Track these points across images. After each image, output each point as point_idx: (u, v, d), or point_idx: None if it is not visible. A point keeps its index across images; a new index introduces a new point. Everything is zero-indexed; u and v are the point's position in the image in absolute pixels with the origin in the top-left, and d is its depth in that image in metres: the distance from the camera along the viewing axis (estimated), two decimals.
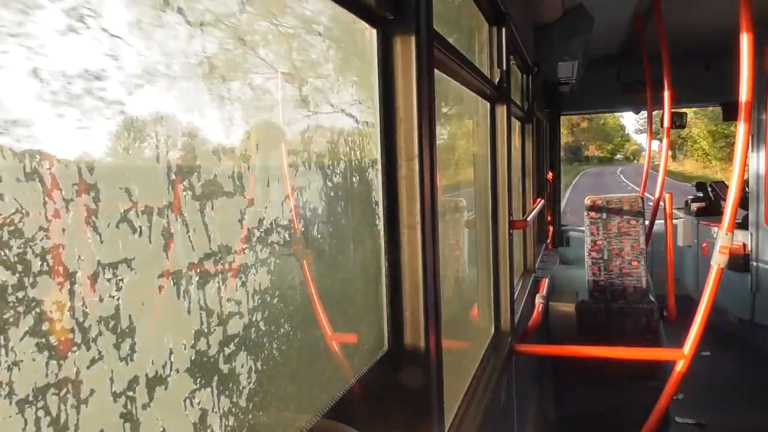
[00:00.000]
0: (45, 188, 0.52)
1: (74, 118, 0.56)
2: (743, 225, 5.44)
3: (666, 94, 4.96)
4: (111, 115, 0.63)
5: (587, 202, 4.51)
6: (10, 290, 0.48)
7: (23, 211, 0.50)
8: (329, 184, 1.14)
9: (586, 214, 4.44)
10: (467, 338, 2.63)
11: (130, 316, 0.60)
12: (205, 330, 0.73)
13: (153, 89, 0.67)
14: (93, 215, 0.56)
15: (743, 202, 5.22)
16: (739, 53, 2.73)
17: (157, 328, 0.66)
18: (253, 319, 0.84)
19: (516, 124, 4.22)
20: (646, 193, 5.58)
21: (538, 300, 3.75)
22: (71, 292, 0.54)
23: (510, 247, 3.05)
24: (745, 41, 2.71)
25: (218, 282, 0.76)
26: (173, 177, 0.68)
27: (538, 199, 4.71)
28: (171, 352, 0.66)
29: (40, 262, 0.51)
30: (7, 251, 0.48)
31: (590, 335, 4.13)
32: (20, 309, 0.49)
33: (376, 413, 1.39)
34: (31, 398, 0.50)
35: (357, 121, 1.27)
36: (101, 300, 0.57)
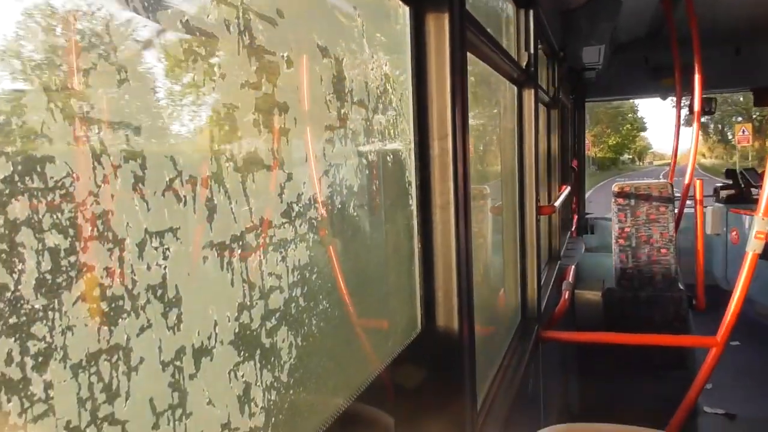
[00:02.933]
0: (94, 153, 0.51)
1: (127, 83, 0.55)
2: None
3: (696, 79, 4.85)
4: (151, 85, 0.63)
5: (615, 189, 4.45)
6: (62, 254, 0.48)
7: (74, 175, 0.49)
8: (365, 162, 1.13)
9: (613, 200, 4.37)
10: (495, 324, 2.61)
11: (176, 285, 0.60)
12: (248, 303, 0.72)
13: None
14: (140, 182, 0.56)
15: None
16: None
17: (202, 300, 0.66)
18: (294, 294, 0.83)
19: (542, 110, 4.16)
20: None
21: (565, 287, 3.71)
22: (120, 259, 0.53)
23: (537, 234, 3.01)
24: None
25: (259, 256, 0.76)
26: (216, 148, 0.68)
27: (564, 186, 4.66)
28: (216, 324, 0.66)
29: (90, 228, 0.50)
30: (59, 215, 0.48)
31: (617, 323, 4.07)
32: (72, 273, 0.49)
33: (409, 395, 1.38)
34: (84, 363, 0.49)
35: (392, 99, 1.26)
36: (149, 268, 0.57)
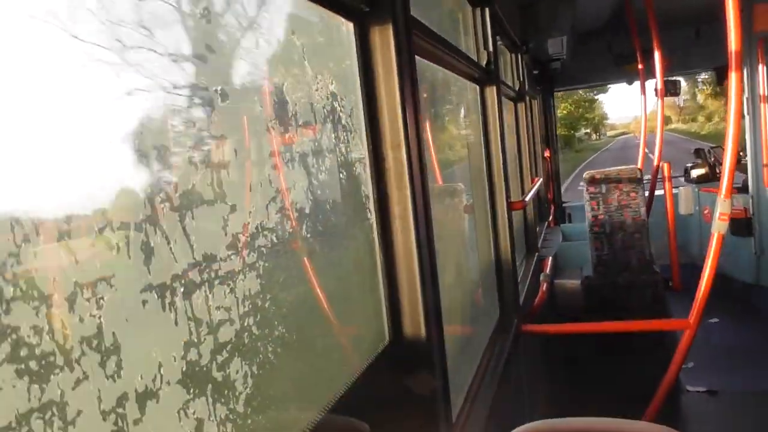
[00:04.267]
0: (10, 215, 0.51)
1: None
2: (743, 189, 5.42)
3: (657, 62, 4.93)
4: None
5: (586, 176, 4.50)
6: None
7: None
8: (316, 182, 1.14)
9: (585, 189, 4.42)
10: (472, 323, 2.63)
11: (113, 333, 0.60)
12: (195, 340, 0.73)
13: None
14: (65, 235, 0.56)
15: (742, 166, 5.20)
16: (724, 15, 2.70)
17: (144, 342, 0.66)
18: (245, 324, 0.83)
19: (508, 105, 4.20)
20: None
21: (543, 279, 3.75)
22: (49, 315, 0.54)
23: (510, 228, 3.04)
24: (731, 2, 2.68)
25: (205, 291, 0.76)
26: (149, 191, 0.68)
27: (537, 178, 4.70)
28: (160, 365, 0.66)
29: (12, 288, 0.50)
30: None
31: (597, 310, 4.13)
32: None
33: (381, 405, 1.39)
34: (14, 425, 0.49)
35: (341, 116, 1.26)
36: (81, 320, 0.57)
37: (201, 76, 0.79)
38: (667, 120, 8.55)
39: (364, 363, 1.28)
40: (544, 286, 3.68)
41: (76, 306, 0.56)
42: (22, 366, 0.50)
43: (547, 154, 6.43)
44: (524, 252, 4.30)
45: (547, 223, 6.11)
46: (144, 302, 0.66)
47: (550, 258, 4.30)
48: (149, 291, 0.67)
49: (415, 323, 1.40)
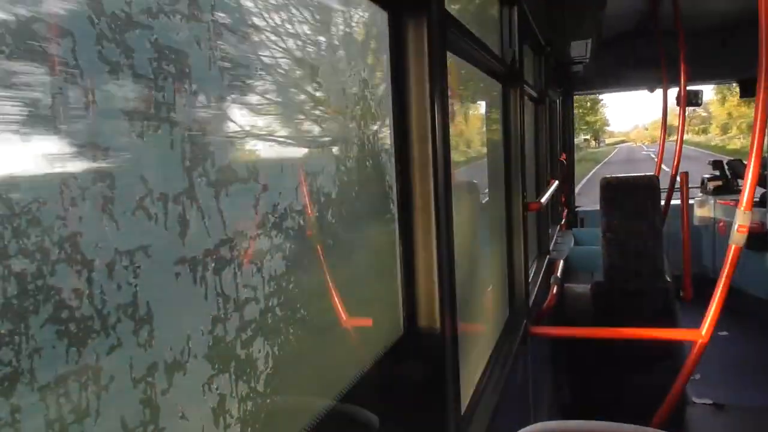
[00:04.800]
0: (61, 177, 0.52)
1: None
2: (761, 203, 5.37)
3: (682, 71, 4.88)
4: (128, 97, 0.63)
5: (602, 182, 4.47)
6: (29, 278, 0.49)
7: (40, 200, 0.50)
8: (343, 168, 1.14)
9: (600, 194, 4.40)
10: (482, 321, 2.63)
11: (147, 302, 0.61)
12: (222, 316, 0.73)
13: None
14: (109, 203, 0.56)
15: (762, 180, 5.15)
16: (757, 27, 2.67)
17: (174, 314, 0.67)
18: (270, 304, 0.84)
19: (529, 105, 4.18)
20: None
21: (553, 282, 3.74)
22: (89, 280, 0.54)
23: (525, 229, 3.03)
24: (764, 13, 2.65)
25: (234, 268, 0.76)
26: (188, 163, 0.68)
27: (553, 180, 4.68)
28: (189, 338, 0.67)
29: (57, 250, 0.51)
30: (26, 240, 0.48)
31: (606, 316, 4.11)
32: (39, 297, 0.50)
33: (392, 397, 1.40)
34: (52, 385, 0.50)
35: (371, 104, 1.26)
36: (119, 288, 0.57)
37: (241, 54, 0.79)
38: (671, 131, 8.44)
39: (378, 353, 1.29)
40: (554, 289, 3.67)
41: (114, 273, 0.57)
42: (63, 327, 0.51)
43: (563, 157, 6.40)
44: (536, 254, 4.29)
45: (559, 226, 6.08)
46: (177, 275, 0.66)
47: (561, 261, 4.29)
48: (182, 264, 0.67)
49: (430, 316, 1.40)
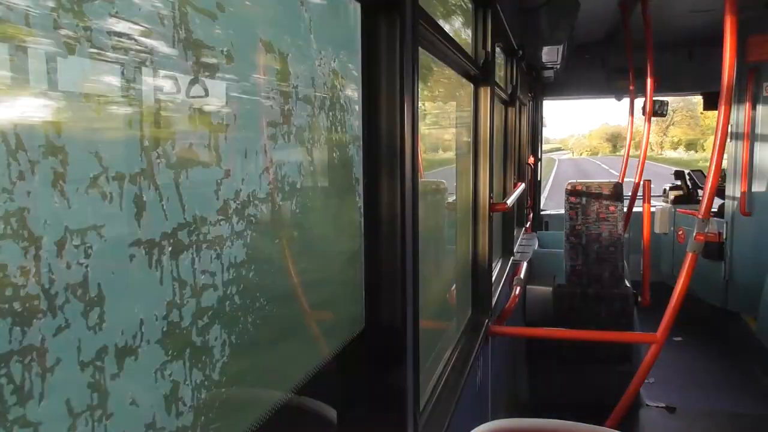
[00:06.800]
0: (8, 148, 0.50)
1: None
2: (719, 214, 5.52)
3: (648, 82, 4.99)
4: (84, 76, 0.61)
5: (567, 187, 4.54)
6: None
7: None
8: (309, 159, 1.13)
9: (566, 199, 4.46)
10: (445, 318, 2.64)
11: (99, 284, 0.59)
12: (178, 301, 0.72)
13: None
14: (60, 179, 0.54)
15: (720, 191, 5.29)
16: (722, 43, 2.75)
17: (128, 298, 0.65)
18: (228, 292, 0.82)
19: (499, 107, 4.21)
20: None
21: (516, 282, 3.78)
22: (36, 257, 0.52)
23: (490, 230, 3.06)
24: (728, 31, 2.72)
25: (192, 254, 0.75)
26: (146, 144, 0.66)
27: (519, 183, 4.73)
28: (142, 323, 0.65)
29: (3, 225, 0.49)
30: None
31: (566, 319, 4.18)
32: None
33: (350, 390, 1.39)
34: None
35: (340, 95, 1.25)
36: (69, 267, 0.55)
37: (207, 36, 0.77)
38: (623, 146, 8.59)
39: (338, 346, 1.28)
40: (517, 290, 3.71)
41: (64, 252, 0.55)
42: (6, 306, 0.49)
43: (530, 160, 6.48)
44: (500, 255, 4.33)
45: (524, 228, 6.16)
46: (131, 257, 0.65)
47: (525, 263, 4.34)
48: (138, 246, 0.65)
49: (392, 311, 1.40)
